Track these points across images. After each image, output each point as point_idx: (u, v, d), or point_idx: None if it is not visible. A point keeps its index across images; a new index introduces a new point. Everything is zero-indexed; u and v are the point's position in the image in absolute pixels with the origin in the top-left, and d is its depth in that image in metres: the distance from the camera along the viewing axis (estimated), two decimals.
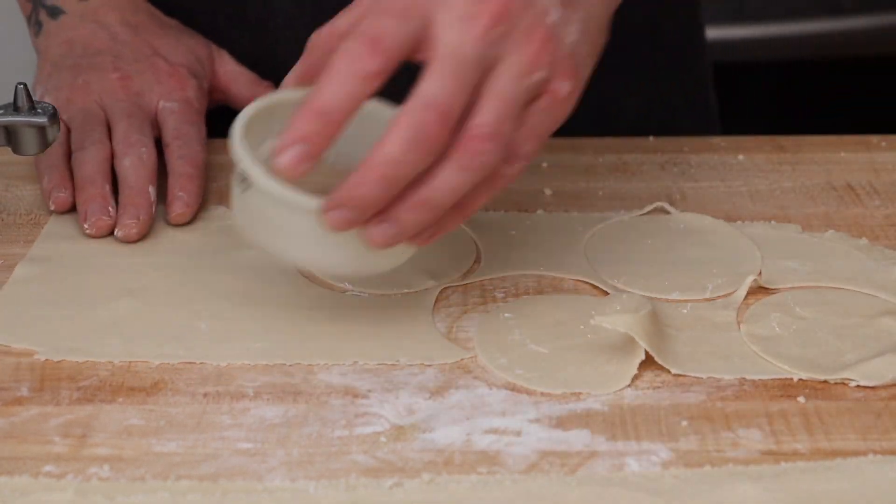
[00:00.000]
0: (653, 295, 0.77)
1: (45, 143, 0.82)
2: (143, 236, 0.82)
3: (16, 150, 0.83)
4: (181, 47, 0.94)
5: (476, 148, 0.64)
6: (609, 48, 0.91)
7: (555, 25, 0.66)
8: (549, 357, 0.71)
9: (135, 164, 0.85)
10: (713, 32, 1.82)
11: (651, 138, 0.96)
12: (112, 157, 0.86)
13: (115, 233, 0.82)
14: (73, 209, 0.85)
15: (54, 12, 0.95)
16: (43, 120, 0.81)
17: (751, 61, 1.87)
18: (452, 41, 0.64)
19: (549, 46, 0.66)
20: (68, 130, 0.88)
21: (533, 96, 0.66)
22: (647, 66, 1.04)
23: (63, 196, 0.85)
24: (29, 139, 0.82)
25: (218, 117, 0.92)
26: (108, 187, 0.84)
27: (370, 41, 0.63)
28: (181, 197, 0.84)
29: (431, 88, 0.63)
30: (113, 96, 0.89)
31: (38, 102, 0.82)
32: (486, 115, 0.64)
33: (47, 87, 0.91)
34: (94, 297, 0.76)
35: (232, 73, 0.96)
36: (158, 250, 0.81)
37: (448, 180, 0.64)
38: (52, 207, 0.85)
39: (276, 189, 0.66)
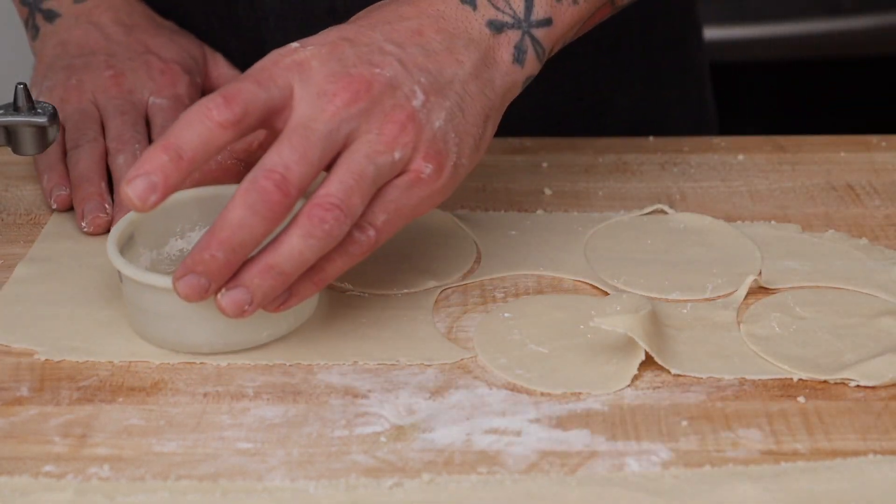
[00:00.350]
0: (653, 295, 0.77)
1: (45, 143, 0.82)
2: None
3: (16, 150, 0.83)
4: (174, 46, 0.95)
5: (317, 216, 0.65)
6: (602, 45, 0.91)
7: (418, 109, 0.69)
8: (548, 357, 0.71)
9: (129, 162, 0.85)
10: (713, 32, 1.82)
11: (651, 138, 0.96)
12: (107, 154, 0.86)
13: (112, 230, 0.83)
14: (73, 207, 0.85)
15: (50, 16, 0.96)
16: (43, 120, 0.81)
17: (751, 61, 1.87)
18: (304, 115, 0.67)
19: (409, 128, 0.68)
20: (63, 129, 0.88)
21: (393, 174, 0.68)
22: (641, 63, 1.04)
23: (64, 194, 0.85)
24: (29, 139, 0.82)
25: None
26: (103, 185, 0.85)
27: (224, 96, 0.66)
28: None
29: (273, 157, 0.66)
30: (106, 94, 0.90)
31: (38, 102, 0.82)
32: (332, 185, 0.66)
33: (42, 88, 0.92)
34: (94, 296, 0.76)
35: (225, 75, 0.97)
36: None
37: (291, 246, 0.66)
38: (54, 206, 0.85)
39: (137, 273, 0.69)
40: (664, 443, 0.65)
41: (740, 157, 0.94)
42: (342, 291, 0.77)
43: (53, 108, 0.82)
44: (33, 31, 0.97)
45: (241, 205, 0.65)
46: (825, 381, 0.69)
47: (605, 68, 1.02)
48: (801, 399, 0.68)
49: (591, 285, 0.78)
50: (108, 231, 0.82)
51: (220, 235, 0.65)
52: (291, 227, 0.66)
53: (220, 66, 0.97)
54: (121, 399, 0.68)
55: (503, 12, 0.73)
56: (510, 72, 0.73)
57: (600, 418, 0.67)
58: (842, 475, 0.63)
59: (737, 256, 0.81)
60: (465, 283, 0.78)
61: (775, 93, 1.94)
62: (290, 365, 0.71)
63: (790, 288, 0.78)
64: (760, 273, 0.79)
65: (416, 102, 0.69)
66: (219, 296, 0.66)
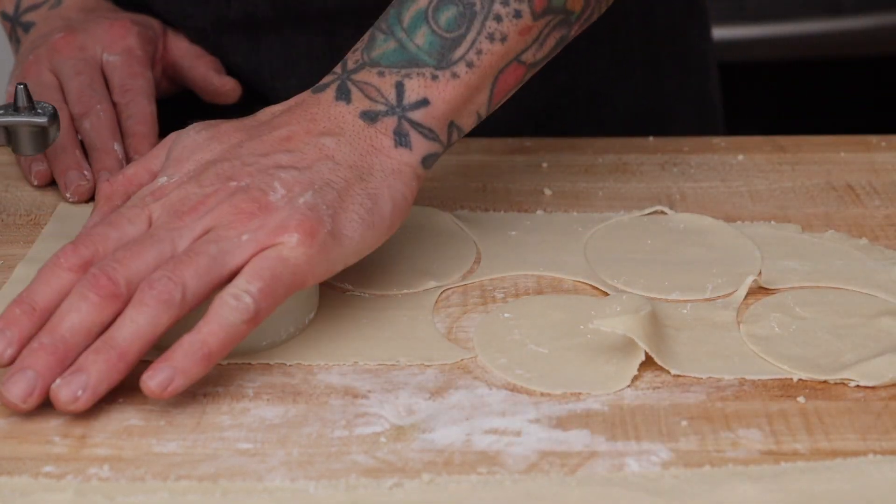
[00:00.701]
0: (653, 295, 0.77)
1: (45, 144, 0.82)
2: None
3: (16, 150, 0.83)
4: (129, 14, 0.96)
5: (147, 285, 0.66)
6: (598, 36, 0.91)
7: (275, 200, 0.69)
8: (548, 357, 0.71)
9: (94, 125, 0.87)
10: (714, 33, 1.82)
11: (651, 138, 0.96)
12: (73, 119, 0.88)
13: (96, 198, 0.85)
14: (54, 180, 0.88)
15: (27, 27, 0.98)
16: (43, 120, 0.82)
17: (751, 61, 1.87)
18: (154, 227, 0.69)
19: (260, 214, 0.68)
20: None
21: (245, 253, 0.67)
22: (640, 54, 1.04)
23: (42, 169, 0.88)
24: (29, 139, 0.82)
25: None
26: (78, 152, 0.87)
27: (73, 245, 0.68)
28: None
29: (110, 258, 0.67)
30: (59, 56, 0.91)
31: (38, 103, 0.82)
32: (167, 262, 0.67)
33: (10, 80, 0.93)
34: None
35: (184, 48, 0.97)
36: None
37: (126, 316, 0.66)
38: (35, 182, 0.88)
39: None
40: (664, 443, 0.65)
41: (740, 157, 0.94)
42: (342, 292, 0.77)
43: (53, 108, 0.82)
44: (16, 44, 0.99)
45: (70, 300, 0.66)
46: (825, 382, 0.69)
47: (602, 59, 1.02)
48: (801, 399, 0.68)
49: (590, 286, 0.78)
50: (92, 197, 0.85)
51: (50, 330, 0.65)
52: (125, 310, 0.66)
53: (179, 39, 0.98)
54: (121, 399, 0.68)
55: (376, 101, 0.73)
56: (395, 156, 0.73)
57: (600, 418, 0.67)
58: (842, 475, 0.63)
59: (737, 257, 0.81)
60: (465, 283, 0.78)
61: (775, 93, 1.95)
62: (289, 365, 0.71)
63: (790, 288, 0.78)
64: (760, 273, 0.79)
65: (274, 196, 0.69)
66: (53, 386, 0.65)
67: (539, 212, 0.86)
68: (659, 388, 0.69)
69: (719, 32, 1.79)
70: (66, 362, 0.65)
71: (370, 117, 0.73)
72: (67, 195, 0.86)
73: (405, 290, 0.77)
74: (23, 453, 0.64)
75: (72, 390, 0.64)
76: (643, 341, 0.69)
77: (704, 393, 0.69)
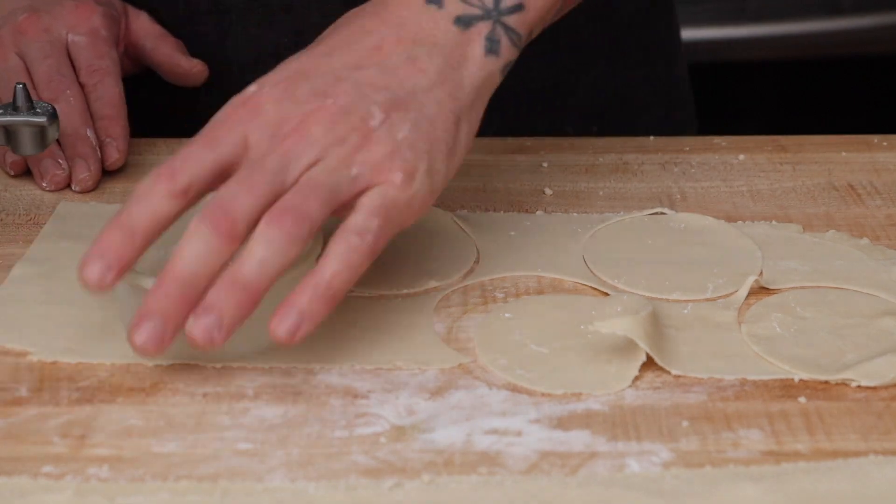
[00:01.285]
0: (653, 295, 0.77)
1: (44, 143, 0.82)
2: (98, 183, 0.87)
3: (15, 150, 0.83)
4: None
5: (274, 220, 0.65)
6: (559, 28, 0.92)
7: (376, 128, 0.69)
8: (549, 357, 0.71)
9: (65, 111, 0.87)
10: (713, 32, 1.82)
11: (652, 138, 0.96)
12: None
13: (72, 187, 0.86)
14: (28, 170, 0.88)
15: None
16: (42, 120, 0.81)
17: (751, 61, 1.87)
18: (258, 153, 0.67)
19: (367, 146, 0.68)
20: None
21: (359, 187, 0.68)
22: (602, 45, 1.04)
23: (17, 159, 0.88)
24: (28, 139, 0.82)
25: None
26: None
27: (170, 168, 0.67)
28: (110, 142, 0.88)
29: (222, 192, 0.66)
30: (24, 38, 0.90)
31: (38, 102, 0.82)
32: (286, 196, 0.66)
33: None
34: (90, 298, 0.76)
35: (146, 28, 0.97)
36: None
37: (253, 255, 0.65)
38: (11, 173, 0.88)
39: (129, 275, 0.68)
40: (665, 443, 0.65)
41: (741, 156, 0.93)
42: None
43: (53, 107, 0.82)
44: None
45: (190, 240, 0.65)
46: (826, 382, 0.69)
47: (563, 51, 1.02)
48: (802, 399, 0.68)
49: (591, 286, 0.78)
50: (68, 186, 0.85)
51: (172, 273, 0.65)
52: (250, 242, 0.65)
53: (141, 20, 0.97)
54: (120, 399, 0.68)
55: (471, 5, 0.73)
56: (483, 66, 0.72)
57: (601, 419, 0.66)
58: (843, 476, 0.63)
59: (737, 256, 0.81)
60: (465, 283, 0.78)
61: (775, 92, 1.95)
62: (290, 365, 0.70)
63: (791, 288, 0.78)
64: (761, 273, 0.79)
65: (374, 122, 0.69)
66: (187, 326, 0.64)
67: (539, 212, 0.86)
68: (660, 388, 0.69)
69: (720, 32, 1.79)
70: (192, 304, 0.64)
71: (464, 23, 0.72)
72: (43, 184, 0.86)
73: (405, 290, 0.77)
74: (22, 453, 0.64)
75: (207, 329, 0.64)
76: (644, 342, 0.69)
77: (705, 393, 0.68)
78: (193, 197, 0.67)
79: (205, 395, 0.68)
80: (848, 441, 0.65)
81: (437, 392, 0.68)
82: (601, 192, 0.89)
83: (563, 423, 0.66)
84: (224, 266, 0.65)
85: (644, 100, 1.07)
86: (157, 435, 0.65)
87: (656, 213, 0.86)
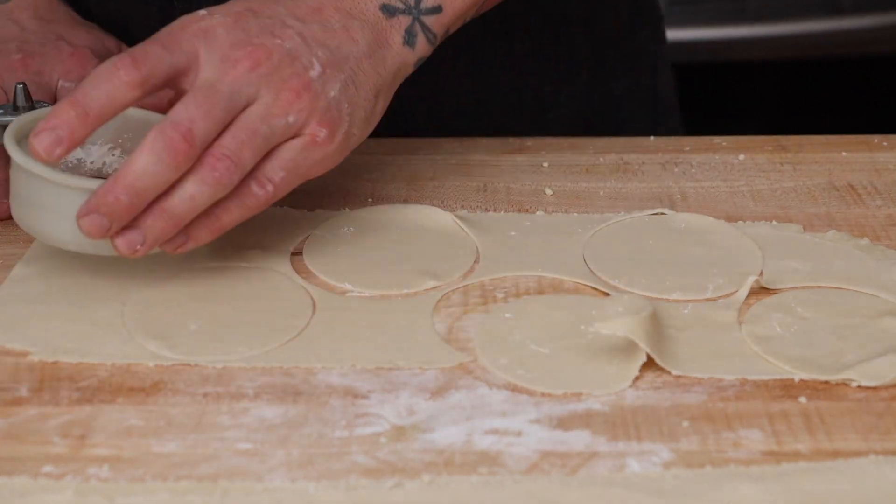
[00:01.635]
0: (654, 295, 0.76)
1: None
2: None
3: None
4: (89, 35, 0.95)
5: (210, 164, 0.71)
6: (541, 40, 0.92)
7: (314, 79, 0.74)
8: (549, 357, 0.71)
9: None
10: (713, 33, 1.82)
11: (652, 138, 0.96)
12: None
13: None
14: None
15: None
16: None
17: (751, 61, 1.87)
18: (209, 77, 0.72)
19: (304, 96, 0.74)
20: None
21: (288, 136, 0.74)
22: (585, 56, 1.04)
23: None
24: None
25: None
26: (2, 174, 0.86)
27: (132, 57, 0.71)
28: None
29: (180, 112, 0.70)
30: (13, 77, 0.90)
31: (38, 102, 0.82)
32: (225, 139, 0.71)
33: None
34: (90, 298, 0.76)
35: None
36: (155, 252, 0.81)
37: (184, 191, 0.71)
38: None
39: (44, 170, 0.72)
40: (665, 443, 0.65)
41: (741, 156, 0.93)
42: (342, 292, 0.77)
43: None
44: None
45: (147, 153, 0.69)
46: (826, 382, 0.69)
47: (546, 62, 1.02)
48: (802, 399, 0.68)
49: (591, 286, 0.78)
50: (10, 217, 0.83)
51: (125, 180, 0.69)
52: (186, 175, 0.71)
53: None
54: (120, 399, 0.68)
55: None
56: (401, 53, 0.79)
57: (601, 419, 0.66)
58: (843, 476, 0.63)
59: (738, 256, 0.81)
60: (465, 283, 0.78)
61: (776, 92, 1.94)
62: (290, 365, 0.70)
63: (791, 288, 0.78)
64: (762, 273, 0.79)
65: (313, 73, 0.74)
66: (115, 238, 0.71)
67: (539, 212, 0.86)
68: (660, 388, 0.69)
69: (720, 32, 1.79)
70: (135, 212, 0.70)
71: (389, 11, 0.78)
72: None
73: (405, 290, 0.77)
74: (22, 453, 0.64)
75: (131, 243, 0.71)
76: (644, 343, 0.69)
77: (706, 393, 0.68)
78: (148, 90, 0.71)
79: (205, 395, 0.68)
80: (848, 441, 0.65)
81: (438, 392, 0.68)
82: (601, 192, 0.89)
83: (563, 423, 0.66)
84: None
85: (629, 110, 1.08)
86: (157, 435, 0.65)
87: (656, 214, 0.86)
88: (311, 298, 0.76)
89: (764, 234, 0.83)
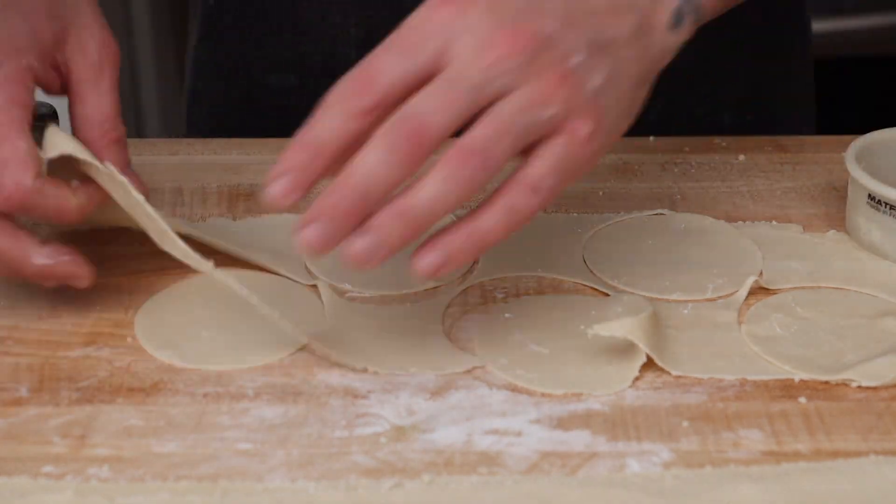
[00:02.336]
0: (653, 295, 0.76)
1: (41, 144, 0.82)
2: None
3: None
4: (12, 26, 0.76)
5: (455, 160, 0.63)
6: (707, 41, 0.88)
7: (576, 68, 0.65)
8: (550, 358, 0.71)
9: None
10: None
11: (652, 138, 0.96)
12: None
13: None
14: None
15: None
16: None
17: None
18: (460, 65, 0.63)
19: (565, 85, 0.65)
20: None
21: (546, 131, 0.65)
22: (746, 66, 1.02)
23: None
24: None
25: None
26: None
27: (363, 80, 0.63)
28: None
29: (416, 104, 0.63)
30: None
31: (38, 102, 0.82)
32: (475, 133, 0.63)
33: None
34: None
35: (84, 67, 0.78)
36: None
37: (427, 191, 0.63)
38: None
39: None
40: (665, 443, 0.65)
41: (741, 157, 0.93)
42: (342, 293, 0.77)
43: (53, 108, 0.82)
44: None
45: (375, 150, 0.62)
46: (826, 382, 0.69)
47: (708, 69, 1.00)
48: (802, 399, 0.68)
49: (591, 287, 0.78)
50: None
51: (350, 181, 0.62)
52: (429, 173, 0.63)
53: (77, 56, 0.77)
54: (120, 399, 0.68)
55: None
56: (665, 38, 0.70)
57: (601, 419, 0.66)
58: (843, 476, 0.63)
59: (738, 257, 0.81)
60: (465, 283, 0.78)
61: None
62: (290, 365, 0.70)
63: (791, 288, 0.78)
64: (761, 273, 0.79)
65: (575, 61, 0.65)
66: (348, 241, 0.63)
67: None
68: (660, 388, 0.69)
69: None
70: (362, 215, 0.63)
71: None
72: None
73: (405, 290, 0.77)
74: (22, 453, 0.64)
75: (367, 250, 0.63)
76: (644, 344, 0.69)
77: (705, 393, 0.68)
78: (384, 113, 0.63)
79: (205, 395, 0.68)
80: (848, 441, 0.65)
81: (437, 392, 0.68)
82: (601, 193, 0.89)
83: (563, 424, 0.66)
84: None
85: (783, 120, 1.05)
86: (157, 435, 0.65)
87: (656, 214, 0.86)
88: (321, 303, 0.76)
89: (763, 235, 0.83)
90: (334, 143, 0.63)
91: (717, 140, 0.96)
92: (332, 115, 0.63)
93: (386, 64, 0.64)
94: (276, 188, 0.63)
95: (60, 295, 0.76)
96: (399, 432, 0.65)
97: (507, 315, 0.75)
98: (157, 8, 1.98)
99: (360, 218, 0.63)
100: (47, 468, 0.63)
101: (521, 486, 0.62)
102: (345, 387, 0.69)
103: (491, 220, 0.65)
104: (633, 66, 0.68)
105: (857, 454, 0.64)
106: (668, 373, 0.70)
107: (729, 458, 0.64)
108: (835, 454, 0.64)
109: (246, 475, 0.62)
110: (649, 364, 0.70)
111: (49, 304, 0.75)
